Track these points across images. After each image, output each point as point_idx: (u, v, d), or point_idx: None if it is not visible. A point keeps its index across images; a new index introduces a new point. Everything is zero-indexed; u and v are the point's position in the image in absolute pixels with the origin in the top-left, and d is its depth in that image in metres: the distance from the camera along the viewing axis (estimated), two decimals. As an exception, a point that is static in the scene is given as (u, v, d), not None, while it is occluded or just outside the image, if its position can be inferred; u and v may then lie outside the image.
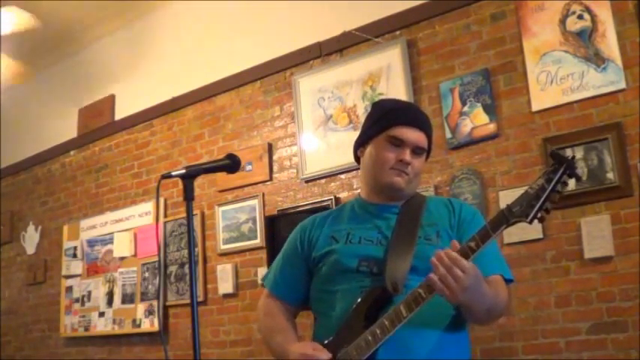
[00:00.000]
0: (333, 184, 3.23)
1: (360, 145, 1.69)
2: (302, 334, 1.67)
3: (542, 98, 2.64)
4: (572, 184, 2.47)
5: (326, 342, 1.49)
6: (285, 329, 1.62)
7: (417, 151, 1.60)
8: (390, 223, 1.58)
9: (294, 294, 1.68)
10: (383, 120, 1.63)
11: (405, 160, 1.57)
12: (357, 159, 1.72)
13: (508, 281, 1.57)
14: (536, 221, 1.36)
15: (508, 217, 1.36)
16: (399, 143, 1.58)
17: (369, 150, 1.64)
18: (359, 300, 1.47)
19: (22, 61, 4.05)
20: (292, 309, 1.70)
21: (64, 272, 4.46)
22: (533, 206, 1.33)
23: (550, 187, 1.33)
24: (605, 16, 2.54)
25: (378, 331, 1.40)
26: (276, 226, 3.34)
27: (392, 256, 1.50)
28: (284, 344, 1.55)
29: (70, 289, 4.42)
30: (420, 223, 1.56)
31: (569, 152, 2.52)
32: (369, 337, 1.41)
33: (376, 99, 3.08)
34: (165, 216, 3.91)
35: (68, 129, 4.73)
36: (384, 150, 1.60)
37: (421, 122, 1.63)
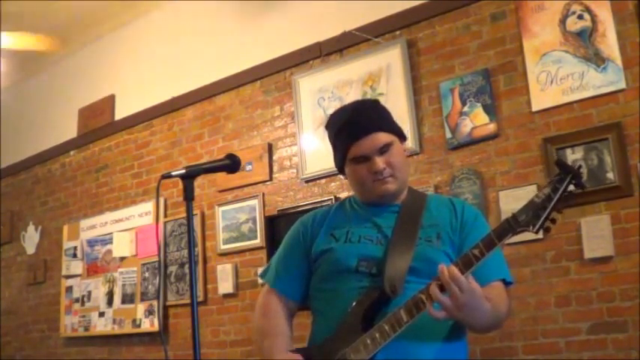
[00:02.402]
0: (333, 184, 3.23)
1: (340, 170, 1.68)
2: (303, 334, 1.66)
3: (542, 98, 2.64)
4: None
5: (323, 342, 1.48)
6: (275, 334, 1.59)
7: (383, 150, 1.56)
8: (389, 222, 1.57)
9: (296, 288, 1.66)
10: (339, 146, 1.62)
11: (377, 169, 1.54)
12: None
13: (509, 284, 1.56)
14: (544, 231, 1.36)
15: (514, 226, 1.35)
16: (363, 159, 1.57)
17: (347, 174, 1.65)
18: (357, 301, 1.46)
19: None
20: (292, 306, 1.67)
21: (64, 272, 4.46)
22: (540, 216, 1.33)
23: (556, 197, 1.33)
24: (605, 16, 2.54)
25: (377, 335, 1.39)
26: (276, 226, 3.34)
27: (391, 256, 1.49)
28: (271, 351, 1.53)
29: (70, 289, 4.42)
30: (420, 224, 1.55)
31: (569, 152, 2.52)
32: (368, 341, 1.40)
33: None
34: (165, 216, 3.91)
35: (68, 129, 4.73)
36: (355, 172, 1.59)
37: (370, 125, 1.57)
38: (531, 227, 1.34)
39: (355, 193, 1.70)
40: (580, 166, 1.37)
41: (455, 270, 1.31)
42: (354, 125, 1.58)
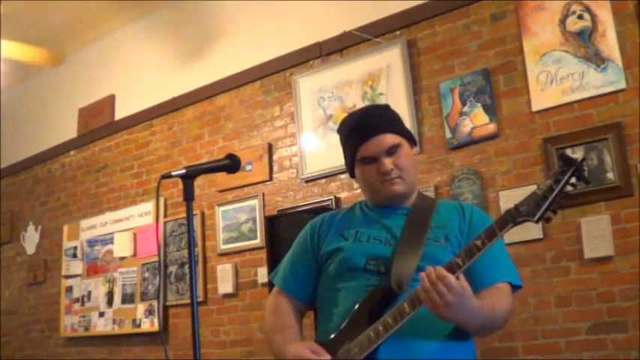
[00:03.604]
0: (333, 184, 3.23)
1: (350, 173, 1.69)
2: (304, 334, 1.66)
3: (542, 98, 2.64)
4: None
5: (329, 339, 1.49)
6: (286, 328, 1.61)
7: (391, 151, 1.57)
8: (399, 224, 1.58)
9: (304, 291, 1.68)
10: (348, 148, 1.64)
11: (385, 169, 1.55)
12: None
13: (516, 287, 1.55)
14: (545, 222, 1.36)
15: (515, 216, 1.36)
16: (371, 160, 1.58)
17: (356, 176, 1.66)
18: (364, 298, 1.48)
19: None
20: (301, 306, 1.69)
21: (64, 272, 4.46)
22: (540, 206, 1.34)
23: (558, 189, 1.33)
24: (605, 16, 2.54)
25: (380, 328, 1.41)
26: (276, 226, 3.34)
27: (399, 255, 1.50)
28: (283, 344, 1.55)
29: (70, 289, 4.42)
30: (429, 225, 1.56)
31: (569, 152, 2.52)
32: (372, 334, 1.41)
33: (376, 99, 3.08)
34: (165, 216, 3.91)
35: (68, 129, 4.73)
36: (365, 173, 1.60)
37: (378, 127, 1.59)
38: (532, 217, 1.34)
39: (365, 196, 1.71)
40: (583, 159, 1.37)
41: (442, 270, 1.32)
42: (363, 127, 1.61)
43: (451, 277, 1.31)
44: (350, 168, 1.67)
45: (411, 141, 1.65)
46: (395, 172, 1.56)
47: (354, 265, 1.54)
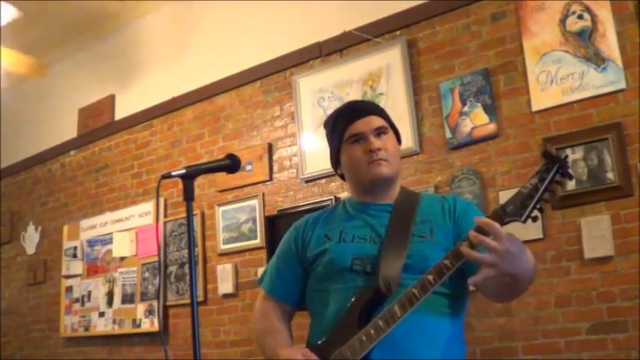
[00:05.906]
0: (333, 184, 3.23)
1: (336, 164, 1.70)
2: (301, 334, 1.66)
3: (542, 98, 2.64)
4: (572, 183, 2.48)
5: (320, 342, 1.49)
6: (276, 331, 1.62)
7: (379, 131, 1.60)
8: (383, 221, 1.58)
9: (291, 294, 1.68)
10: (336, 130, 1.66)
11: (373, 147, 1.57)
12: (342, 176, 1.72)
13: None
14: (532, 221, 1.36)
15: (502, 216, 1.36)
16: (359, 138, 1.60)
17: (342, 161, 1.66)
18: (352, 300, 1.47)
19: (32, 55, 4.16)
20: (289, 310, 1.70)
21: (64, 272, 4.46)
22: (527, 206, 1.34)
23: (543, 187, 1.33)
24: (605, 16, 2.54)
25: (372, 331, 1.40)
26: (276, 226, 3.34)
27: (385, 254, 1.50)
28: (274, 347, 1.55)
29: (70, 289, 4.42)
30: (413, 221, 1.56)
31: (569, 152, 2.52)
32: (363, 338, 1.41)
33: (376, 99, 3.08)
34: (166, 216, 3.91)
35: (68, 129, 4.73)
36: (351, 152, 1.61)
37: (367, 109, 1.66)
38: (519, 217, 1.34)
39: (350, 186, 1.71)
40: (566, 156, 1.38)
41: (486, 219, 1.31)
42: (351, 110, 1.66)
43: (497, 224, 1.28)
44: (335, 158, 1.68)
45: (397, 137, 1.68)
46: (382, 152, 1.58)
47: (341, 266, 1.54)
